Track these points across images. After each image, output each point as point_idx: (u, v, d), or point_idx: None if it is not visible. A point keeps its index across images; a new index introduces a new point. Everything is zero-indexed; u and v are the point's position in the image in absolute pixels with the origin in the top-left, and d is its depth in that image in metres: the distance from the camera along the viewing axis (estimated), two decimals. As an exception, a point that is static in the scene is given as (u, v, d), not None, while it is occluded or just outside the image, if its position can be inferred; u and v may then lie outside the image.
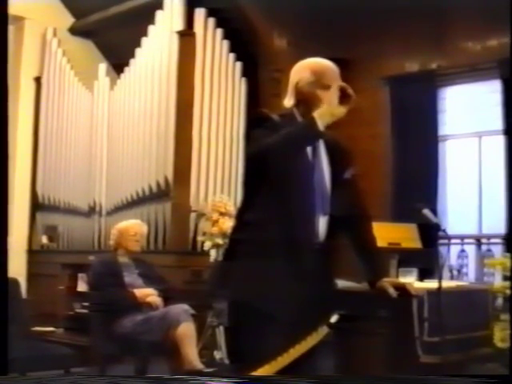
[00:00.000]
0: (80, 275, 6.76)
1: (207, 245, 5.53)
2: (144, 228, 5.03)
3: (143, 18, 6.63)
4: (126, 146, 6.84)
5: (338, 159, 2.49)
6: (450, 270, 5.68)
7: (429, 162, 6.06)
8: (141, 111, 6.66)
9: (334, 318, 2.21)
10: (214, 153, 6.52)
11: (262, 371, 2.10)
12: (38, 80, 7.84)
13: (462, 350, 3.26)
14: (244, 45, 6.71)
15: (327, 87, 2.38)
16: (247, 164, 2.42)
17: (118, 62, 7.31)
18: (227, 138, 6.61)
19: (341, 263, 2.51)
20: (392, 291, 2.44)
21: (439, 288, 3.06)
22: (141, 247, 4.90)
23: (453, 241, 5.70)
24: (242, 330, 2.34)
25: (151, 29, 6.68)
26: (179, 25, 6.51)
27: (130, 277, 4.67)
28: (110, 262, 4.75)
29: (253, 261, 2.32)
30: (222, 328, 5.01)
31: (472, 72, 5.93)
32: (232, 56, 6.73)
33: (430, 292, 3.19)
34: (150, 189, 6.43)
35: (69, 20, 7.91)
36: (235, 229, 2.48)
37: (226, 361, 4.80)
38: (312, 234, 2.37)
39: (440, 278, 3.11)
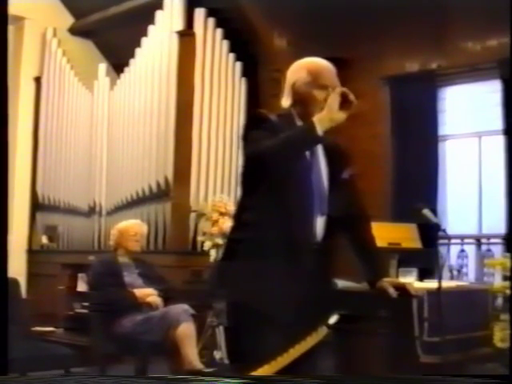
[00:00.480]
0: (80, 275, 6.77)
1: (207, 245, 5.54)
2: (144, 228, 5.03)
3: (143, 18, 6.63)
4: (125, 146, 6.84)
5: (336, 159, 2.49)
6: (450, 270, 5.67)
7: (429, 162, 6.05)
8: (141, 111, 6.66)
9: (333, 318, 2.21)
10: (214, 153, 6.52)
11: (261, 371, 2.10)
12: (37, 80, 7.86)
13: (461, 350, 3.26)
14: (244, 45, 6.72)
15: (324, 87, 2.39)
16: (245, 165, 2.42)
17: (118, 62, 7.32)
18: (227, 137, 6.62)
19: (340, 263, 2.51)
20: (392, 291, 2.45)
21: (439, 288, 3.05)
22: (141, 247, 4.90)
23: (453, 241, 5.70)
24: (242, 330, 2.34)
25: (151, 29, 6.69)
26: (179, 25, 6.52)
27: (130, 277, 4.67)
28: (109, 262, 4.75)
29: (251, 261, 2.32)
30: (221, 328, 5.01)
31: (472, 72, 5.92)
32: (232, 56, 6.73)
33: (429, 292, 3.18)
34: (150, 189, 6.43)
35: (69, 20, 7.92)
36: (233, 229, 2.49)
37: (226, 361, 4.80)
38: (310, 235, 2.37)
39: (440, 278, 3.11)
